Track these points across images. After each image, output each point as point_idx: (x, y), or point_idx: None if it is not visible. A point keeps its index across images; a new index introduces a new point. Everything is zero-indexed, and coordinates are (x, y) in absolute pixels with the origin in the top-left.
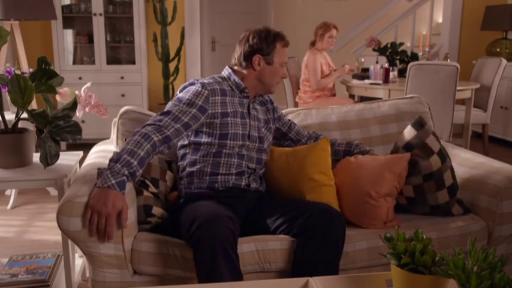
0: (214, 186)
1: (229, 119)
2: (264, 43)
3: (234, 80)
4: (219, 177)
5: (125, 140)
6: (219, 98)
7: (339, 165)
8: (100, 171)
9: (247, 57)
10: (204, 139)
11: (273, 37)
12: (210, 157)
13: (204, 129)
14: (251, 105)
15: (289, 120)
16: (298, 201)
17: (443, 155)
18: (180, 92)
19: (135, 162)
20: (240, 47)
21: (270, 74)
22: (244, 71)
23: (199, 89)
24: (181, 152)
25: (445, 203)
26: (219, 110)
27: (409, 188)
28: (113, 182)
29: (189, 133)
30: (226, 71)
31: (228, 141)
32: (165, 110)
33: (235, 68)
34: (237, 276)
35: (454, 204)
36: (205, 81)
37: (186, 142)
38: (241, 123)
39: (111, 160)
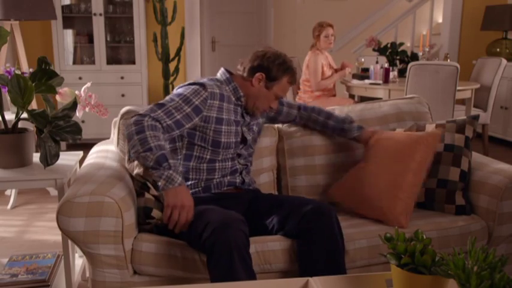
0: (210, 187)
1: (223, 127)
2: (275, 68)
3: (234, 85)
4: (214, 180)
5: (130, 136)
6: (217, 102)
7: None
8: (157, 174)
9: (253, 70)
10: (197, 141)
11: (285, 67)
12: (204, 163)
13: (197, 133)
14: (244, 113)
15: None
16: (288, 199)
17: (469, 143)
18: (179, 89)
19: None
20: (253, 59)
21: (261, 98)
22: (244, 81)
23: (199, 88)
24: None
25: (452, 181)
26: (214, 115)
27: None
28: (180, 179)
29: (181, 133)
30: (223, 75)
31: (221, 150)
32: (160, 102)
33: (238, 73)
34: (252, 278)
35: (460, 191)
36: (206, 82)
37: (179, 143)
38: (234, 131)
39: (157, 163)
